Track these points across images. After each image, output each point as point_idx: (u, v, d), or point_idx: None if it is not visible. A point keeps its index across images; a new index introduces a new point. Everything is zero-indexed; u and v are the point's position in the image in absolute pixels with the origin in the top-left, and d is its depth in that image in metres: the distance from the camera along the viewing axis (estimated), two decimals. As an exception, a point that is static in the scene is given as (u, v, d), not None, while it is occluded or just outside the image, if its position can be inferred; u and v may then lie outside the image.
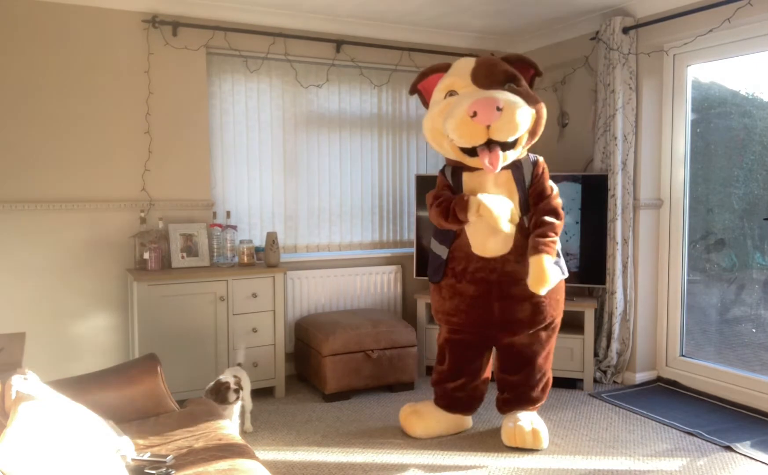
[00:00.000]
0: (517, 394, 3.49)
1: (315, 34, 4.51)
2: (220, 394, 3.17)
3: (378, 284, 4.89)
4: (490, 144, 3.14)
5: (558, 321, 3.47)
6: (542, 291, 3.15)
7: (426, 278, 4.47)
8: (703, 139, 4.32)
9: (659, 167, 4.44)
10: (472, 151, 3.21)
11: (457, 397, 3.54)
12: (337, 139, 4.78)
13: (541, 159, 3.43)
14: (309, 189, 4.68)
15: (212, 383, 3.23)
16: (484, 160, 3.15)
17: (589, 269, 4.40)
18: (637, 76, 4.33)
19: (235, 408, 3.29)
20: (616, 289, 4.34)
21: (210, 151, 4.33)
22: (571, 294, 4.49)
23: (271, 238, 4.15)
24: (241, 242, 4.19)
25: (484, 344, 3.49)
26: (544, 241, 3.20)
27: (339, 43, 4.60)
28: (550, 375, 3.54)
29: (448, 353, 3.53)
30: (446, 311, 3.45)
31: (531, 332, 3.38)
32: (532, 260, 3.15)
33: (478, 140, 3.13)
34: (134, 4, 4.01)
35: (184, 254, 4.07)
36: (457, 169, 3.40)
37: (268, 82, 4.52)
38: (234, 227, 4.28)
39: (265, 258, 4.18)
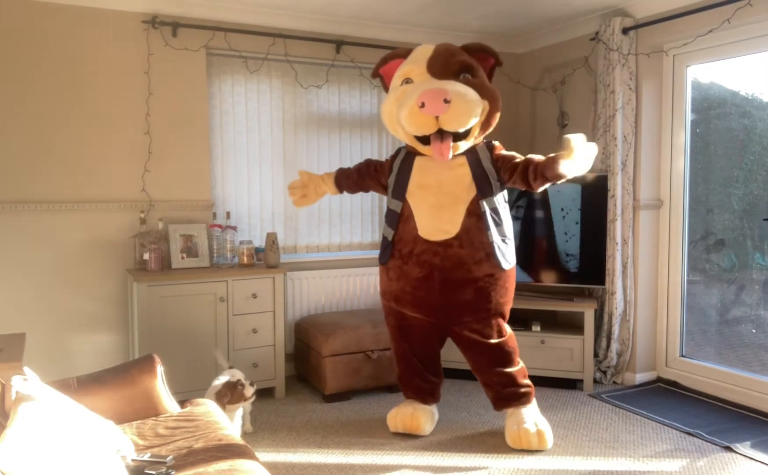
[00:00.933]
0: (493, 379, 3.47)
1: (315, 35, 4.51)
2: (236, 392, 3.17)
3: (378, 284, 4.88)
4: (442, 133, 3.20)
5: (507, 308, 3.48)
6: (573, 161, 3.01)
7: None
8: (703, 140, 4.32)
9: (659, 168, 4.44)
10: (425, 139, 3.28)
11: (419, 385, 3.62)
12: (337, 139, 4.78)
13: (497, 143, 3.47)
14: (309, 189, 4.68)
15: (221, 384, 3.21)
16: (435, 149, 3.23)
17: (589, 269, 4.40)
18: (637, 76, 4.34)
19: (237, 412, 3.29)
20: (616, 289, 4.34)
21: (210, 152, 4.33)
22: (570, 294, 4.50)
23: (271, 238, 4.15)
24: (241, 242, 4.20)
25: (435, 330, 3.53)
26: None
27: (339, 43, 4.60)
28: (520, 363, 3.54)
29: (402, 342, 3.59)
30: (393, 292, 3.51)
31: (477, 317, 3.39)
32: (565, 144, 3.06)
33: (429, 130, 3.20)
34: (134, 5, 4.01)
35: (184, 255, 4.07)
36: (410, 154, 3.48)
37: (268, 83, 4.52)
38: (234, 228, 4.28)
39: (265, 259, 4.18)
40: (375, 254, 4.90)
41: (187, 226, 4.12)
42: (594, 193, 4.35)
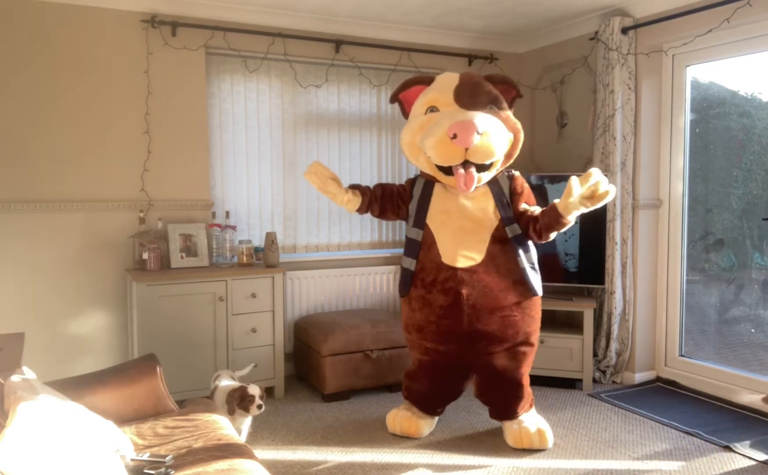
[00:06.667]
0: (503, 411, 3.46)
1: (314, 34, 4.51)
2: (243, 403, 3.15)
3: (377, 283, 4.89)
4: (465, 164, 3.15)
5: (534, 339, 3.42)
6: (571, 198, 2.92)
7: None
8: (702, 140, 4.32)
9: (658, 167, 4.44)
10: (447, 169, 3.21)
11: (428, 405, 3.56)
12: (336, 139, 4.78)
13: (517, 173, 3.45)
14: (308, 189, 4.67)
15: (237, 389, 3.19)
16: (459, 181, 3.15)
17: (589, 269, 4.40)
18: (636, 76, 4.34)
19: (246, 422, 3.28)
20: (616, 289, 4.34)
21: (209, 151, 4.33)
22: (570, 294, 4.50)
23: (270, 238, 4.15)
24: (241, 242, 4.19)
25: (460, 364, 3.43)
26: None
27: (338, 43, 4.60)
28: (528, 389, 3.50)
29: (423, 376, 3.51)
30: (416, 323, 3.40)
31: (505, 348, 3.33)
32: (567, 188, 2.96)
33: (455, 161, 3.14)
34: (133, 4, 4.01)
35: (183, 254, 4.07)
36: (429, 182, 3.41)
37: (268, 82, 4.52)
38: (233, 227, 4.27)
39: (264, 258, 4.18)
40: (374, 253, 4.94)
41: (186, 226, 4.12)
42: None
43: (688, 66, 4.29)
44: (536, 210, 3.27)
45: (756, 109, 4.05)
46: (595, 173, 2.87)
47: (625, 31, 4.26)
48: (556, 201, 3.06)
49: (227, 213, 4.32)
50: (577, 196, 2.91)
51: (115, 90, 4.02)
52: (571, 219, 3.04)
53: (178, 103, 4.18)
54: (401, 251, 4.95)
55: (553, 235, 3.20)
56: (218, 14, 4.22)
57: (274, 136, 4.56)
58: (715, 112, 4.27)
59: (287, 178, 4.61)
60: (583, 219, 4.38)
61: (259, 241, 4.46)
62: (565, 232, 4.42)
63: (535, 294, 3.35)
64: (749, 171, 4.06)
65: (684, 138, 4.35)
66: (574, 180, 2.90)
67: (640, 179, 4.37)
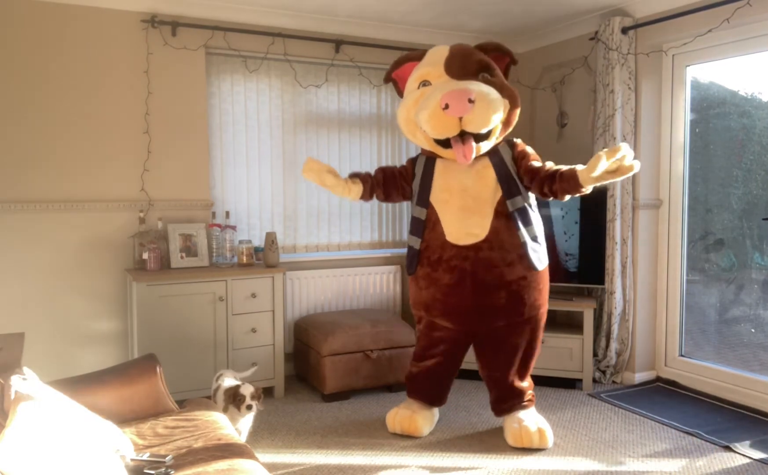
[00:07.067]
0: (504, 389, 3.47)
1: (314, 34, 4.51)
2: (235, 402, 3.16)
3: (377, 283, 4.89)
4: (463, 135, 3.15)
5: (542, 312, 3.42)
6: (595, 173, 2.90)
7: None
8: (702, 139, 4.32)
9: (658, 167, 4.44)
10: (445, 143, 3.21)
11: (430, 390, 3.58)
12: (336, 139, 4.78)
13: (518, 140, 3.42)
14: (308, 189, 4.68)
15: (231, 388, 3.20)
16: (458, 153, 3.16)
17: (588, 269, 4.40)
18: (636, 76, 4.34)
19: (246, 422, 3.28)
20: (615, 289, 4.34)
21: (209, 151, 4.33)
22: (570, 294, 4.50)
23: (270, 238, 4.15)
24: (241, 242, 4.19)
25: (464, 339, 3.48)
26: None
27: (338, 43, 4.60)
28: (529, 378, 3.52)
29: (429, 349, 3.54)
30: (424, 301, 3.43)
31: (510, 322, 3.34)
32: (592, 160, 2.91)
33: (451, 132, 3.14)
34: (133, 4, 4.01)
35: (183, 254, 4.07)
36: (430, 159, 3.41)
37: (268, 82, 4.52)
38: (233, 227, 4.28)
39: (264, 258, 4.18)
40: (374, 253, 4.94)
41: (186, 226, 4.12)
42: (593, 193, 4.32)
43: (688, 66, 4.29)
44: (551, 166, 3.22)
45: (756, 109, 4.05)
46: (624, 148, 2.88)
47: (625, 31, 4.26)
48: (578, 168, 3.03)
49: (227, 213, 4.32)
50: (601, 171, 2.90)
51: (115, 90, 4.03)
52: (589, 189, 3.07)
53: (178, 103, 4.18)
54: (401, 250, 5.00)
55: (568, 198, 3.22)
56: (218, 14, 4.22)
57: (274, 137, 4.56)
58: (715, 112, 4.27)
59: (287, 178, 4.61)
60: (583, 219, 4.38)
61: (259, 241, 4.46)
62: (565, 232, 4.43)
63: (535, 270, 3.32)
64: (749, 171, 4.06)
65: (684, 138, 4.35)
66: (601, 157, 2.87)
67: (640, 179, 4.36)
